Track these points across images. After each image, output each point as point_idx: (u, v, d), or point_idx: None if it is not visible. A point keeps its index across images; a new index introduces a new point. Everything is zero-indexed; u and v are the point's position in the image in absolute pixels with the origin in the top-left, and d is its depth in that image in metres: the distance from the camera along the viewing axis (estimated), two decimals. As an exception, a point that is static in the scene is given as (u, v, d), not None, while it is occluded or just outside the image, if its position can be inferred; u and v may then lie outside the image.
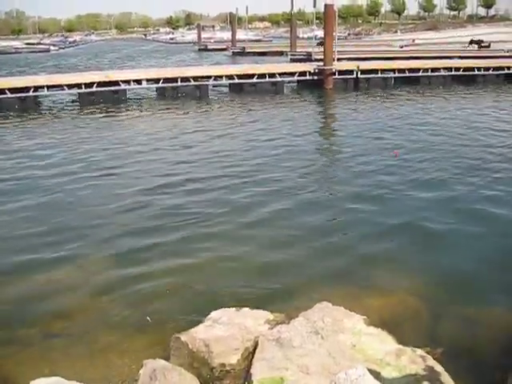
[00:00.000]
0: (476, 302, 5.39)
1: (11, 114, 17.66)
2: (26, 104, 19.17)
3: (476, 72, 25.58)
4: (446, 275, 5.95)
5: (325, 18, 23.72)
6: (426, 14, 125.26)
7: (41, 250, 6.72)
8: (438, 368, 4.00)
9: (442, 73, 25.21)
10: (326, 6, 23.20)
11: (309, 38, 45.48)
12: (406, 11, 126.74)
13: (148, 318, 5.08)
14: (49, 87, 19.87)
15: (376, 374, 3.61)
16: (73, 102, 20.37)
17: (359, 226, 7.42)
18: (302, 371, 3.82)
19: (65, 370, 4.09)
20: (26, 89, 19.22)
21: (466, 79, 25.14)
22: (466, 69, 25.49)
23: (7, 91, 18.75)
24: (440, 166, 10.31)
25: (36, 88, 19.54)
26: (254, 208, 8.11)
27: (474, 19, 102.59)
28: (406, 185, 9.20)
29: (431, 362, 4.08)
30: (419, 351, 4.20)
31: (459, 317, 5.13)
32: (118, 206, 8.29)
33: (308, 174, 9.98)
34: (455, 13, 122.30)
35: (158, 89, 22.01)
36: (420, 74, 24.72)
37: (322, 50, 24.06)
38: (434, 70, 25.07)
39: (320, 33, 44.54)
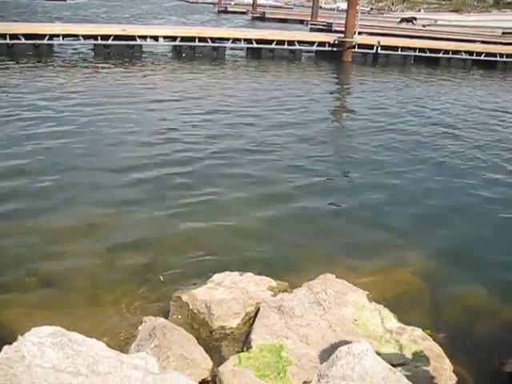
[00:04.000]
0: (479, 289, 5.34)
1: (24, 60, 17.45)
2: (39, 51, 18.90)
3: (498, 58, 25.16)
4: (453, 259, 5.89)
5: (350, -11, 23.27)
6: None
7: (45, 197, 6.68)
8: (437, 349, 3.98)
9: (463, 56, 24.79)
10: (351, -23, 22.74)
11: (330, 9, 44.78)
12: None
13: (161, 276, 5.03)
14: (64, 36, 19.61)
15: (376, 350, 3.59)
16: (87, 53, 20.13)
17: (368, 200, 7.36)
18: (301, 341, 3.79)
19: (63, 321, 4.05)
20: (41, 36, 18.96)
21: (487, 64, 24.75)
22: (487, 54, 25.06)
23: (22, 37, 18.51)
24: (443, 149, 10.24)
25: (51, 36, 19.27)
26: (262, 175, 8.05)
27: (499, 4, 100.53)
28: (412, 163, 9.12)
29: (431, 343, 4.06)
30: (420, 331, 4.17)
31: (462, 301, 5.09)
32: (125, 158, 8.26)
33: (314, 142, 9.93)
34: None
35: (174, 47, 21.73)
36: (441, 55, 24.33)
37: (343, 21, 23.65)
38: (455, 52, 24.66)
39: (342, 5, 44.00)
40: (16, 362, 2.31)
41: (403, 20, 42.73)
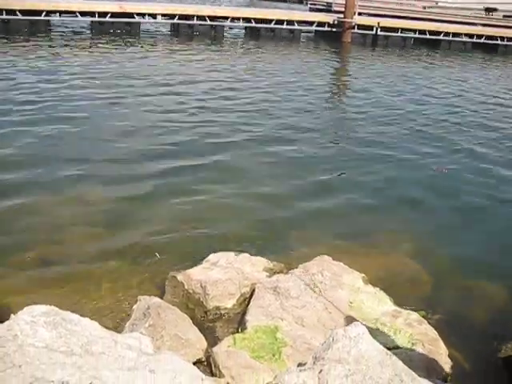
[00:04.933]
0: (476, 272, 5.33)
1: (20, 36, 17.22)
2: (36, 27, 18.62)
3: (499, 41, 24.98)
4: (449, 243, 5.88)
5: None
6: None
7: (44, 173, 6.64)
8: (433, 333, 3.99)
9: (464, 39, 24.61)
10: (353, -45, 22.45)
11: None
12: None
13: (157, 254, 5.00)
14: (61, 13, 19.36)
15: (371, 334, 3.58)
16: (84, 29, 19.89)
17: (365, 183, 7.33)
18: (297, 322, 3.78)
19: (56, 300, 4.01)
20: (37, 12, 18.69)
21: (487, 47, 24.58)
22: (488, 37, 24.88)
23: (18, 12, 18.23)
24: (441, 132, 10.23)
25: (48, 12, 19.01)
26: (259, 152, 8.02)
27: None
28: (409, 147, 9.10)
29: (426, 326, 4.06)
30: (415, 315, 4.18)
31: (458, 286, 5.07)
32: (119, 134, 8.23)
33: (312, 124, 9.88)
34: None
35: (172, 25, 21.46)
36: (441, 37, 24.15)
37: (342, 1, 23.40)
38: (455, 34, 24.48)
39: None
40: (8, 341, 2.28)
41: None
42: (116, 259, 4.96)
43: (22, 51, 14.85)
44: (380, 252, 5.47)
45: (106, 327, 2.77)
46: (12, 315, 2.44)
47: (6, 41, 16.37)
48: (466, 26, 26.40)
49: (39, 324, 2.41)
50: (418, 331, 3.93)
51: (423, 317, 4.22)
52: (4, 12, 17.98)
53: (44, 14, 18.81)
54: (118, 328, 3.72)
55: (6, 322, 2.39)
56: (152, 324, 3.52)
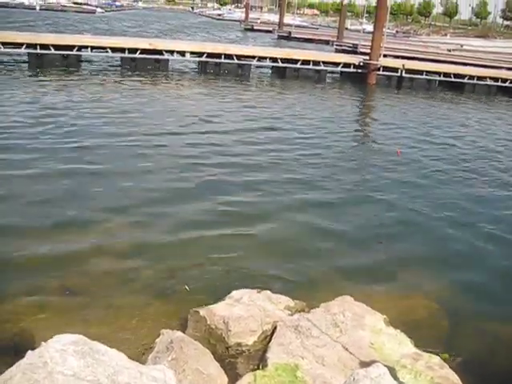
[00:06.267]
0: (500, 315, 5.29)
1: (53, 70, 17.79)
2: (68, 62, 19.26)
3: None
4: (472, 285, 5.86)
5: (377, 12, 23.41)
6: (479, 20, 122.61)
7: (69, 209, 6.77)
8: (454, 377, 3.95)
9: (488, 82, 24.68)
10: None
11: (356, 31, 45.03)
12: (457, 15, 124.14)
13: (186, 286, 5.08)
14: (92, 48, 19.99)
15: (392, 375, 3.57)
16: (114, 65, 20.45)
17: (386, 224, 7.35)
18: (317, 361, 3.79)
19: (81, 329, 4.09)
20: (70, 47, 19.33)
21: (512, 92, 24.62)
22: (513, 81, 24.94)
23: (51, 47, 18.88)
24: (465, 175, 10.21)
25: (80, 47, 19.66)
26: (284, 193, 8.08)
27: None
28: (433, 188, 9.09)
29: (448, 370, 4.03)
30: (436, 358, 4.14)
31: (480, 329, 5.04)
32: (146, 172, 8.36)
33: (339, 165, 9.94)
34: (509, 23, 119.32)
35: (200, 63, 21.94)
36: (466, 80, 24.25)
37: (368, 43, 23.73)
38: (480, 78, 24.57)
39: (368, 26, 44.19)
40: (39, 368, 2.35)
41: None
42: (140, 291, 5.04)
43: (53, 84, 15.31)
44: (402, 293, 5.47)
45: (129, 358, 2.83)
46: (43, 343, 2.52)
47: (40, 73, 16.94)
48: (491, 70, 26.49)
49: (68, 353, 2.49)
50: (438, 374, 3.90)
51: (445, 360, 4.18)
52: (38, 46, 18.61)
53: (76, 48, 19.42)
54: (140, 360, 3.77)
55: (37, 349, 2.47)
56: (175, 358, 3.56)
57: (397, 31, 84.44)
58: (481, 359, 4.59)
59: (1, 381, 2.35)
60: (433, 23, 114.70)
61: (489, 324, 5.14)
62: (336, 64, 23.40)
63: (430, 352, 4.23)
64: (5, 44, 18.50)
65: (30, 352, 2.44)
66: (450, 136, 13.92)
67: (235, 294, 4.58)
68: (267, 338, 4.17)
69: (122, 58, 20.38)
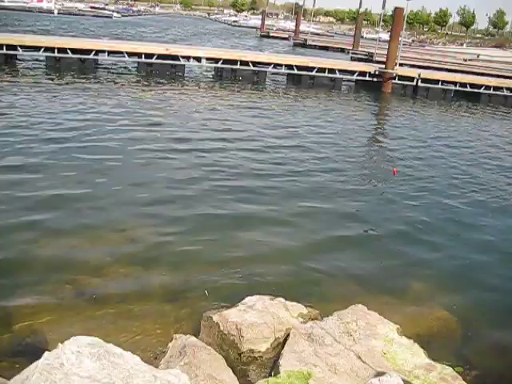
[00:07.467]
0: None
1: (70, 73, 17.97)
2: (85, 66, 19.48)
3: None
4: (487, 298, 5.81)
5: (393, 20, 23.42)
6: (496, 30, 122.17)
7: (86, 211, 6.82)
8: (467, 390, 3.93)
9: (505, 93, 24.53)
10: (396, 9, 22.85)
11: (372, 39, 45.08)
12: (474, 25, 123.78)
13: (206, 291, 5.11)
14: (110, 52, 20.16)
15: (405, 385, 3.56)
16: (131, 70, 20.61)
17: (404, 233, 7.32)
18: (330, 370, 3.79)
19: (95, 331, 4.13)
20: (87, 51, 19.53)
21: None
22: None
23: (69, 51, 19.08)
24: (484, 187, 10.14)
25: (97, 52, 19.84)
26: (298, 201, 8.08)
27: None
28: (451, 198, 9.04)
29: (461, 381, 4.00)
30: (450, 370, 4.12)
31: (496, 341, 5.00)
32: (163, 177, 8.38)
33: (350, 173, 9.93)
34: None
35: (216, 69, 22.06)
36: (482, 90, 24.13)
37: (384, 52, 23.72)
38: (496, 88, 24.43)
39: (384, 35, 44.23)
40: (55, 369, 2.38)
41: None
42: (153, 295, 5.07)
43: (71, 88, 15.47)
44: (415, 303, 5.44)
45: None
46: (59, 344, 2.55)
47: (57, 76, 17.16)
48: (508, 80, 26.35)
49: (84, 355, 2.51)
50: (452, 387, 3.88)
51: (459, 372, 4.15)
52: (56, 50, 18.83)
53: (93, 53, 19.60)
54: (152, 364, 3.78)
55: (54, 351, 2.50)
56: (187, 362, 3.58)
57: (413, 40, 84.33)
58: (494, 372, 4.56)
59: (18, 380, 2.38)
60: (449, 33, 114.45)
61: (504, 337, 5.10)
62: (351, 72, 23.41)
63: (443, 363, 4.20)
64: (23, 47, 18.73)
65: (46, 353, 2.47)
66: (470, 151, 13.54)
67: (248, 300, 4.58)
68: (280, 345, 4.17)
69: (138, 63, 20.56)
